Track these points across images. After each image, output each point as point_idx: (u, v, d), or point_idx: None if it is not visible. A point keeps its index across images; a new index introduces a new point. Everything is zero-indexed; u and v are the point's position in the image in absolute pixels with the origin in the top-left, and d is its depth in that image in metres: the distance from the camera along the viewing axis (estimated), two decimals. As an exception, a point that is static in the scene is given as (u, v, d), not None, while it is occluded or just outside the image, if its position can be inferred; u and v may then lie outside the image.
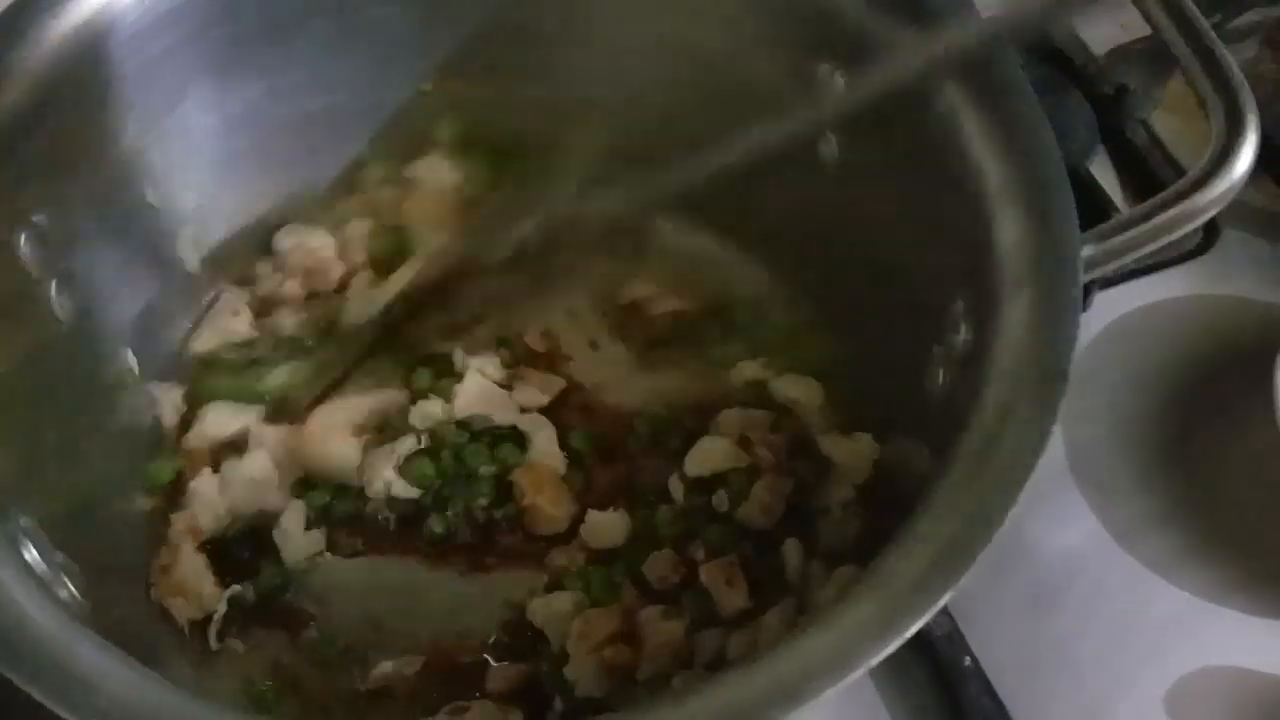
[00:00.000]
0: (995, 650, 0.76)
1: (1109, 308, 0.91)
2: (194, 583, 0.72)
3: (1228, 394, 0.87)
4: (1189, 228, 0.60)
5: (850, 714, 0.75)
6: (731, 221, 0.84)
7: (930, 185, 0.66)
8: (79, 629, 0.50)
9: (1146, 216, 0.60)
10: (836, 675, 0.47)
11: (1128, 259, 0.60)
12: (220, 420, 0.77)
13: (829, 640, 0.49)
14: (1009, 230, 0.59)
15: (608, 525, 0.75)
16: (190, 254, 0.79)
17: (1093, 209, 0.88)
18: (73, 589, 0.58)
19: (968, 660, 0.75)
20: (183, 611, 0.72)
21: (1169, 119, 0.99)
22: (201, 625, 0.72)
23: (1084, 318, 0.86)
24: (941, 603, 0.49)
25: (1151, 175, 0.95)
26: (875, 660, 0.48)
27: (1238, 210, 0.93)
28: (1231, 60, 0.61)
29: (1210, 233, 0.92)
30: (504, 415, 0.79)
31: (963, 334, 0.61)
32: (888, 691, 0.76)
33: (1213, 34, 0.62)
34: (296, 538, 0.74)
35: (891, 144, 0.69)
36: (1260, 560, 0.81)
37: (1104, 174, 0.97)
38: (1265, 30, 1.02)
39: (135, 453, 0.77)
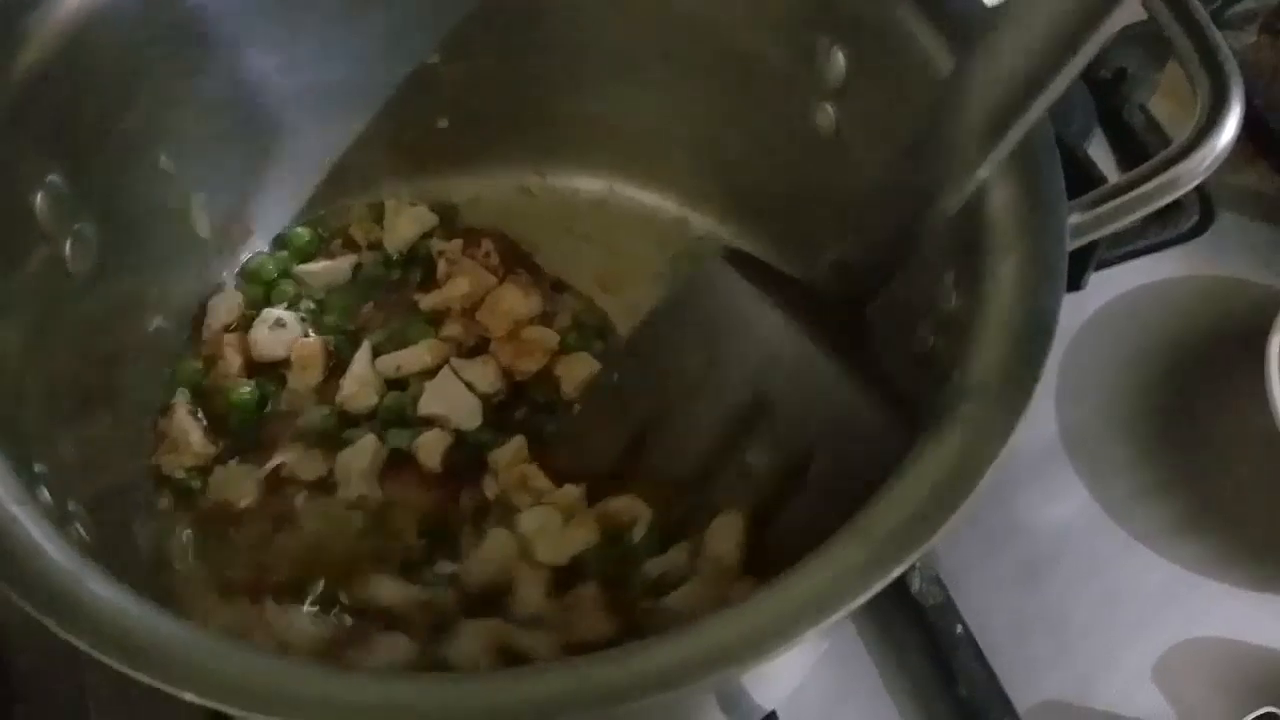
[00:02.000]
0: (987, 620, 0.77)
1: (1105, 288, 0.93)
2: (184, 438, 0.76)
3: (1221, 373, 0.89)
4: (1173, 195, 0.61)
5: (843, 679, 0.77)
6: (719, 189, 0.86)
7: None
8: (92, 565, 0.51)
9: (1132, 185, 0.61)
10: (814, 619, 0.48)
11: (1114, 226, 0.61)
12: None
13: (810, 586, 0.49)
14: (999, 196, 0.60)
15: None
16: (202, 221, 0.80)
17: (1088, 189, 0.88)
18: (84, 533, 0.59)
19: (959, 628, 0.76)
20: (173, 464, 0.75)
21: (1166, 103, 1.00)
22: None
23: (1080, 298, 0.90)
24: (921, 551, 0.49)
25: (1148, 159, 0.95)
26: (854, 605, 0.48)
27: (1234, 193, 0.95)
28: (1218, 34, 0.61)
29: (1206, 215, 0.94)
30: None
31: (953, 300, 0.62)
32: (881, 660, 0.78)
33: (1202, 9, 0.62)
34: None
35: (887, 113, 0.70)
36: (1248, 534, 0.83)
37: (1101, 157, 0.98)
38: (1263, 17, 1.03)
39: (147, 413, 0.78)
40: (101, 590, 0.50)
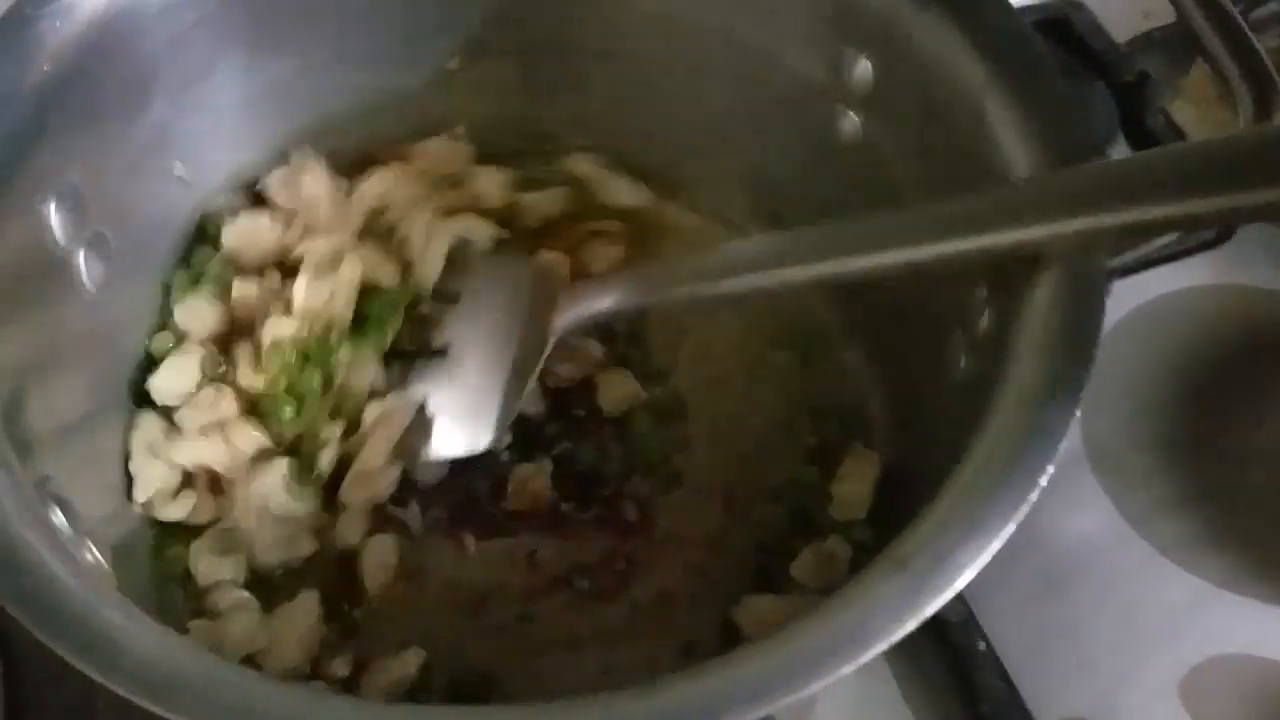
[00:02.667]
0: (1008, 635, 0.76)
1: (1128, 296, 0.91)
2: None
3: (1246, 382, 0.88)
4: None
5: (865, 697, 0.76)
6: (745, 199, 0.85)
7: (952, 169, 0.66)
8: (105, 592, 0.50)
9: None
10: (846, 659, 0.47)
11: (1153, 245, 0.60)
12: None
13: (846, 620, 0.49)
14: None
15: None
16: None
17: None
18: (98, 555, 0.58)
19: (982, 645, 0.75)
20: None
21: (1189, 108, 0.99)
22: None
23: None
24: (960, 586, 0.49)
25: (1170, 164, 0.95)
26: (888, 644, 0.48)
27: (1258, 201, 0.94)
28: (1260, 48, 0.60)
29: (1230, 224, 0.92)
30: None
31: (985, 319, 0.61)
32: (903, 675, 0.77)
33: (1240, 21, 0.61)
34: None
35: (915, 124, 0.69)
36: (1276, 548, 0.81)
37: (1124, 163, 0.96)
38: (1290, 20, 1.01)
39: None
40: (115, 618, 0.49)
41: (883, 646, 0.47)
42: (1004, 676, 0.74)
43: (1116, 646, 0.78)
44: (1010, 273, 0.58)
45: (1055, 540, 0.81)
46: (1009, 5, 0.65)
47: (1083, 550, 0.81)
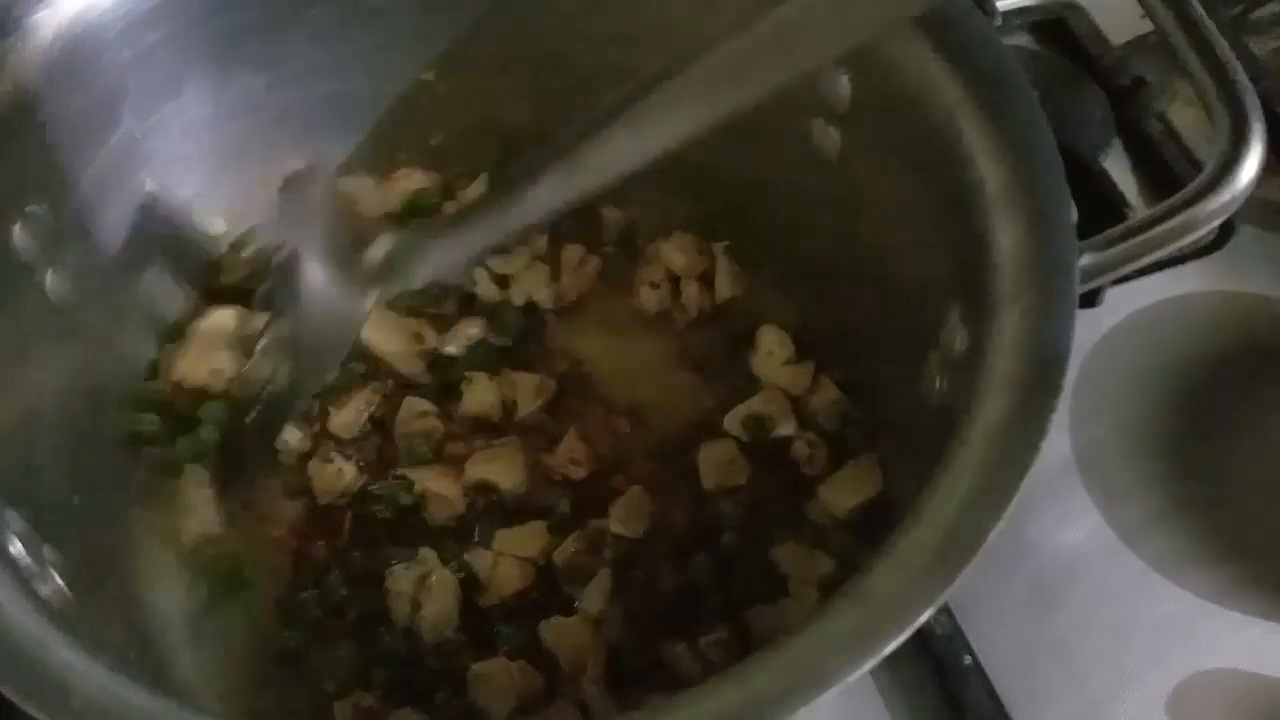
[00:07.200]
0: (996, 650, 0.76)
1: (1122, 303, 0.90)
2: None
3: (1239, 391, 0.87)
4: (1191, 238, 0.59)
5: (851, 712, 0.75)
6: (728, 227, 0.84)
7: (928, 187, 0.65)
8: (57, 630, 0.50)
9: (1148, 225, 0.60)
10: (810, 691, 0.47)
11: (1130, 266, 0.60)
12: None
13: (808, 651, 0.48)
14: (1007, 236, 0.58)
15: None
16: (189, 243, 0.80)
17: (1104, 205, 0.87)
18: (60, 582, 0.58)
19: (968, 659, 0.75)
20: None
21: (1185, 111, 0.98)
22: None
23: (1095, 314, 0.88)
24: (925, 617, 0.48)
25: (1167, 168, 0.95)
26: (854, 676, 0.47)
27: (1254, 206, 0.92)
28: (1239, 66, 0.60)
29: (1225, 229, 0.92)
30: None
31: (959, 341, 0.60)
32: (889, 690, 0.76)
33: (1220, 38, 0.60)
34: None
35: (892, 140, 0.68)
36: (1266, 563, 0.81)
37: (1119, 167, 0.96)
38: (1290, 21, 1.01)
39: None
40: (66, 656, 0.49)
41: (839, 685, 0.47)
42: (990, 690, 0.74)
43: (1104, 660, 0.77)
44: (981, 294, 0.58)
45: (1044, 554, 0.81)
46: (987, 23, 0.64)
47: (1072, 563, 0.81)
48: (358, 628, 0.72)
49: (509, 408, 0.79)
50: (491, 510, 0.76)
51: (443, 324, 0.82)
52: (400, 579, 0.72)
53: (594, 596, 0.71)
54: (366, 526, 0.76)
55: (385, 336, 0.80)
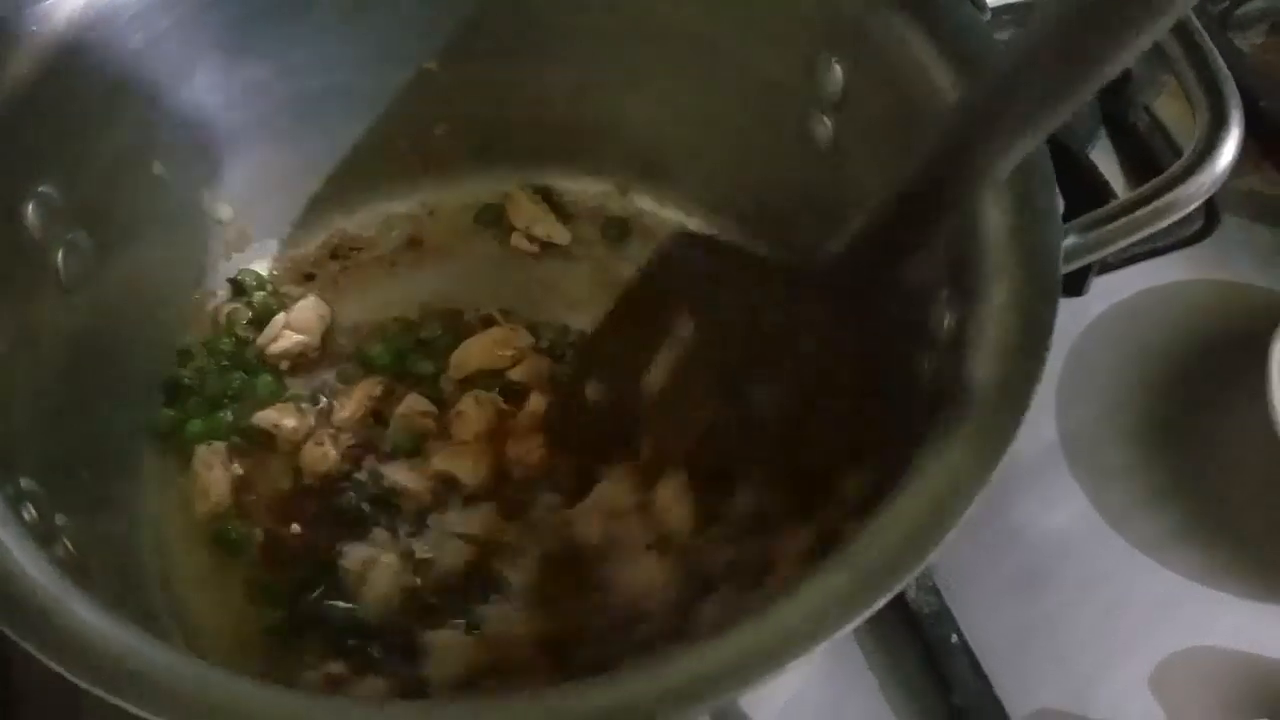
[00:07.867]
0: (983, 628, 0.77)
1: (1108, 292, 0.92)
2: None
3: (1223, 378, 0.88)
4: (1172, 219, 0.60)
5: (840, 687, 0.77)
6: (717, 198, 0.86)
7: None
8: (75, 588, 0.51)
9: (1130, 208, 0.61)
10: (797, 650, 0.48)
11: (1112, 248, 0.61)
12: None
13: (794, 613, 0.49)
14: (993, 217, 0.59)
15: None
16: (199, 227, 0.81)
17: (1091, 195, 0.88)
18: (71, 548, 0.59)
19: (955, 637, 0.76)
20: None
21: (1172, 104, 0.99)
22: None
23: (1082, 302, 0.89)
24: (908, 579, 0.49)
25: (1154, 161, 0.95)
26: (838, 634, 0.48)
27: (1238, 197, 0.94)
28: (1217, 54, 0.61)
29: (1211, 219, 0.92)
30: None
31: (947, 321, 0.61)
32: (878, 666, 0.77)
33: (1198, 25, 0.62)
34: None
35: (883, 126, 0.70)
36: (1249, 544, 0.82)
37: (1106, 160, 0.97)
38: (1274, 17, 1.01)
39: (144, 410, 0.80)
40: (84, 613, 0.50)
41: (821, 645, 0.48)
42: (976, 668, 0.75)
43: (1090, 639, 0.79)
44: (969, 274, 0.59)
45: (1031, 534, 0.82)
46: (976, 10, 0.66)
47: (1058, 544, 0.82)
48: (320, 603, 0.74)
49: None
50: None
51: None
52: (350, 558, 0.74)
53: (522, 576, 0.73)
54: (338, 512, 0.78)
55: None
